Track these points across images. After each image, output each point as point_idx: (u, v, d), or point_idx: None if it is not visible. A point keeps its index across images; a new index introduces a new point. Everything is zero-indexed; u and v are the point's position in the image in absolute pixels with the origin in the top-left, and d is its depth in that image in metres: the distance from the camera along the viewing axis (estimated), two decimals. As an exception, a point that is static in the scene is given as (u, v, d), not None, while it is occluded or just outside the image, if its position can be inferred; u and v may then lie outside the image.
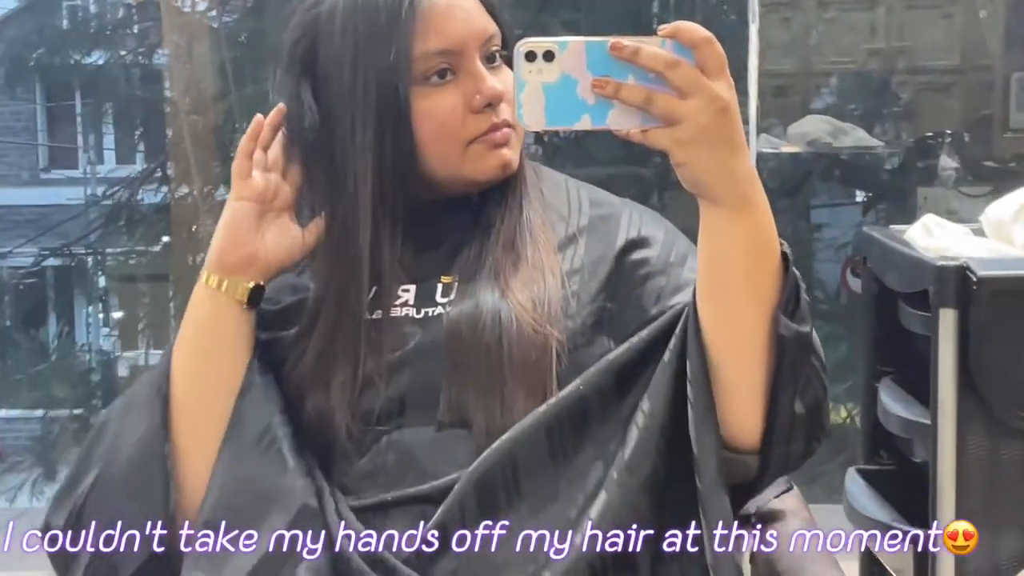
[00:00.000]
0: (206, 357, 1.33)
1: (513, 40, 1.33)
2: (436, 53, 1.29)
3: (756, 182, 1.14)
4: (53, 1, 5.70)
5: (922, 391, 1.80)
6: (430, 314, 1.31)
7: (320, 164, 1.33)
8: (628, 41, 1.07)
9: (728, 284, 1.18)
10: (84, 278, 6.17)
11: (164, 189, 5.29)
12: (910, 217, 2.23)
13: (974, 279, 1.70)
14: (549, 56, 1.08)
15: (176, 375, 1.32)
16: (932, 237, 1.88)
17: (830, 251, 5.11)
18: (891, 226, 2.06)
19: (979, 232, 1.94)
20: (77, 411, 5.76)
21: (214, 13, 5.11)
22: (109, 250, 5.69)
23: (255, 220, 1.32)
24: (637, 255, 1.34)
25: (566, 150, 4.74)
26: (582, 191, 1.41)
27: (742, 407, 1.21)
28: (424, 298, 1.33)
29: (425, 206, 1.34)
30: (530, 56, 1.09)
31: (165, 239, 5.38)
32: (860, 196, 5.21)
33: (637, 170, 4.45)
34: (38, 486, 5.62)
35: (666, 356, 1.24)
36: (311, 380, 1.30)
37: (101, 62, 5.57)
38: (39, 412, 5.99)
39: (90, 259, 5.83)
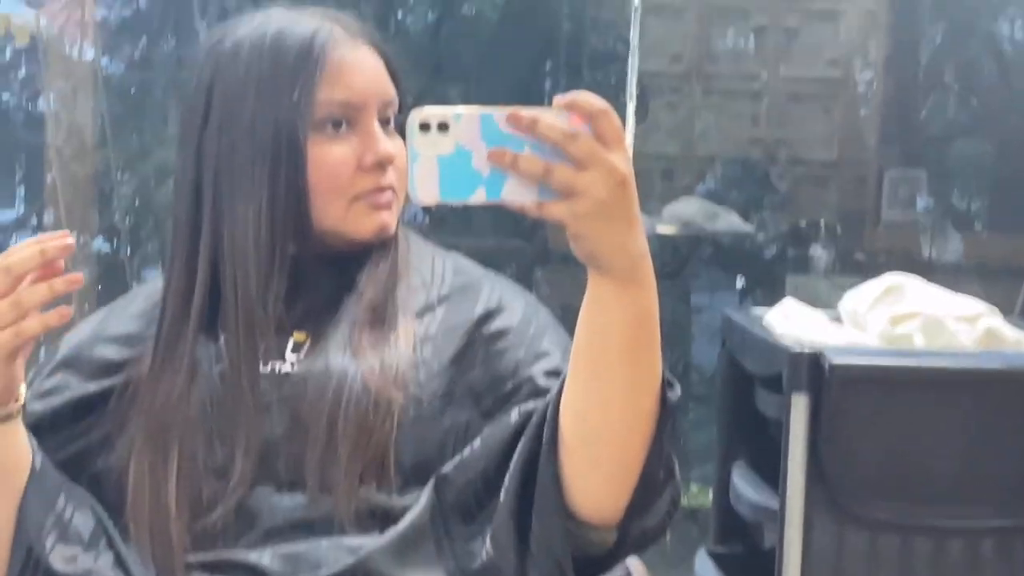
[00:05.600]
0: None
1: (408, 109, 1.33)
2: (338, 103, 1.30)
3: (647, 258, 1.14)
4: (-64, 40, 5.58)
5: (774, 476, 1.81)
6: (277, 370, 1.29)
7: (204, 206, 1.31)
8: (526, 112, 1.05)
9: (609, 357, 1.16)
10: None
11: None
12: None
13: (827, 365, 1.71)
14: (443, 127, 1.05)
15: None
16: (790, 322, 1.90)
17: (708, 334, 5.16)
18: (752, 309, 2.08)
19: (837, 319, 1.97)
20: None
21: (103, 62, 5.04)
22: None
23: (12, 359, 1.21)
24: (494, 326, 1.33)
25: (451, 221, 4.75)
26: (447, 260, 1.41)
27: (609, 481, 1.20)
28: (274, 353, 1.31)
29: (291, 261, 1.33)
30: (424, 127, 1.05)
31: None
32: (741, 282, 5.28)
33: (519, 243, 4.46)
34: None
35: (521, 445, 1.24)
36: (154, 429, 1.27)
37: (-17, 104, 5.47)
38: None
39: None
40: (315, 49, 1.30)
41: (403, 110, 1.36)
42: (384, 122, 1.34)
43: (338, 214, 1.31)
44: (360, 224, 1.32)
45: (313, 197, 1.30)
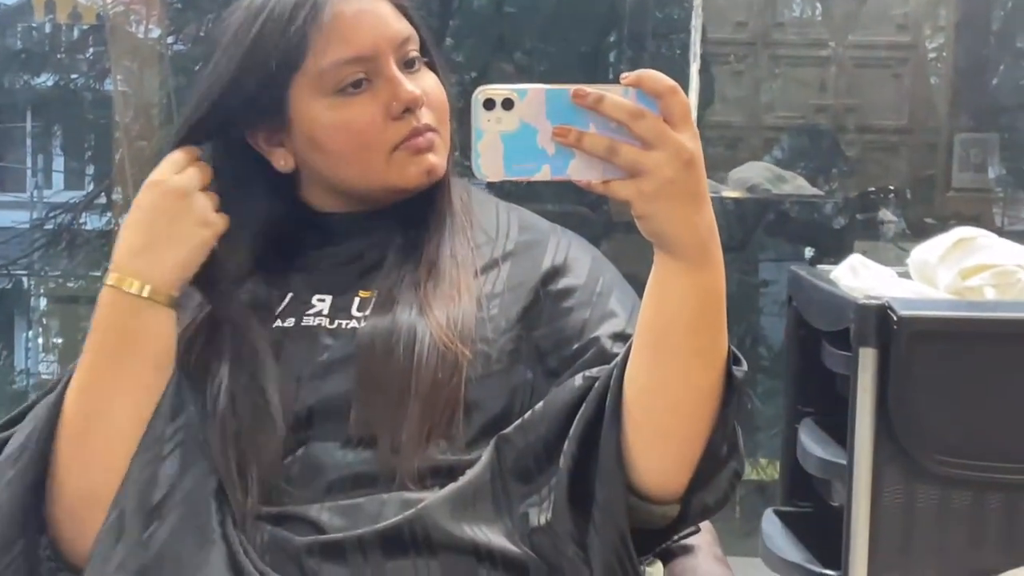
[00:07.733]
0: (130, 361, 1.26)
1: (438, 43, 1.31)
2: (347, 62, 1.26)
3: (715, 238, 1.11)
4: (5, 21, 5.65)
5: (842, 433, 1.79)
6: (344, 326, 1.29)
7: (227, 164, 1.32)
8: (591, 89, 1.03)
9: (675, 334, 1.14)
10: (23, 301, 6.08)
11: (108, 214, 5.24)
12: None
13: (895, 318, 1.68)
14: (508, 104, 1.04)
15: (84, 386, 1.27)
16: (857, 277, 1.87)
17: (775, 306, 5.14)
18: (819, 266, 2.05)
19: (905, 275, 1.94)
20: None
21: (168, 40, 5.08)
22: (50, 272, 5.62)
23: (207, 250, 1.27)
24: (561, 284, 1.31)
25: (514, 191, 4.76)
26: (512, 214, 1.39)
27: (673, 455, 1.18)
28: (339, 310, 1.30)
29: (347, 218, 1.32)
30: (488, 104, 1.04)
31: (107, 264, 5.31)
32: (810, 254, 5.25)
33: (585, 211, 4.46)
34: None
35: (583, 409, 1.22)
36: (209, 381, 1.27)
37: (51, 84, 5.53)
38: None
39: (29, 281, 5.76)
40: (304, 10, 1.28)
41: (425, 46, 1.32)
42: (408, 64, 1.31)
43: (378, 170, 1.29)
44: (406, 172, 1.30)
45: (346, 160, 1.28)
